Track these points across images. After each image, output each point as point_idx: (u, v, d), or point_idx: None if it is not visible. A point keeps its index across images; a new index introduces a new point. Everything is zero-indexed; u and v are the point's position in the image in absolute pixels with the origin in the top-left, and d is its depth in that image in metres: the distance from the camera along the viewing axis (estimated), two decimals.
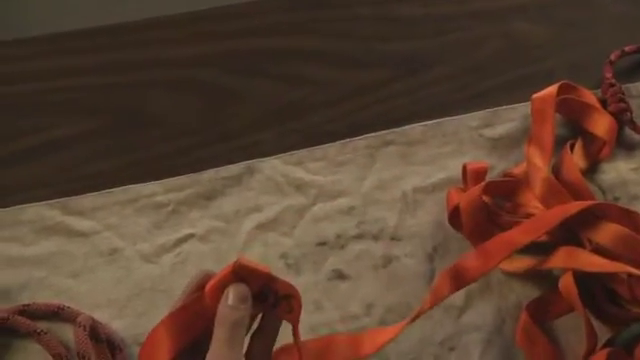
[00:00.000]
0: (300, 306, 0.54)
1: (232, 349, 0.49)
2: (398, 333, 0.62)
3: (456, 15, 0.85)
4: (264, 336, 0.54)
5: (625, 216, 0.63)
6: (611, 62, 0.78)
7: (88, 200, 0.72)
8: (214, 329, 0.50)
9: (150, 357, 0.52)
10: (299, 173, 0.74)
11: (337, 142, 0.75)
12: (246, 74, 0.80)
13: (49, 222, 0.71)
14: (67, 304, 0.66)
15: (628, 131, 0.75)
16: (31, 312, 0.66)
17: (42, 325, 0.65)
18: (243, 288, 0.51)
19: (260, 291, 0.52)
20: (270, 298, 0.52)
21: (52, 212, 0.71)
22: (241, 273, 0.51)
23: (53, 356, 0.64)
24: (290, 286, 0.53)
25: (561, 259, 0.64)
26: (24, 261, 0.69)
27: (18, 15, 1.77)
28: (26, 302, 0.66)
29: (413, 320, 0.62)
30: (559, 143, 0.73)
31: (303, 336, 0.56)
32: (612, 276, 0.64)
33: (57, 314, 0.66)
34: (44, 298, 0.67)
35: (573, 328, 0.65)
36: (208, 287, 0.51)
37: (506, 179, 0.71)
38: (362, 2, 0.87)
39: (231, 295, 0.50)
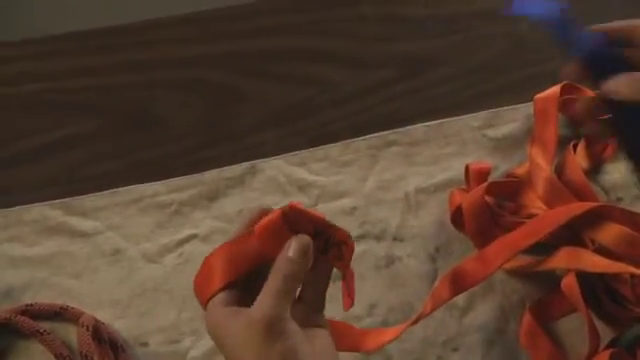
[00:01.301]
0: (352, 253, 0.53)
1: (280, 302, 0.48)
2: (398, 335, 0.62)
3: (460, 16, 0.85)
4: (316, 281, 0.53)
5: (628, 217, 0.63)
6: None
7: (91, 200, 0.72)
8: (269, 276, 0.49)
9: (204, 283, 0.51)
10: (302, 173, 0.74)
11: (340, 142, 0.75)
12: (249, 75, 0.81)
13: (52, 222, 0.71)
14: (70, 304, 0.66)
15: None
16: (34, 312, 0.66)
17: (45, 325, 0.65)
18: (305, 240, 0.50)
19: (311, 236, 0.51)
20: (320, 243, 0.51)
21: (55, 212, 0.72)
22: (291, 216, 0.50)
23: (56, 356, 0.64)
24: (343, 232, 0.52)
25: (564, 259, 0.64)
26: (27, 261, 0.69)
27: (20, 16, 1.78)
28: (29, 302, 0.66)
29: (414, 323, 0.62)
30: (562, 143, 0.73)
31: None
32: (615, 277, 0.64)
33: (60, 314, 0.66)
34: (47, 298, 0.67)
35: (576, 329, 0.65)
36: (257, 227, 0.50)
37: (509, 179, 0.71)
38: (366, 3, 0.87)
39: (292, 246, 0.50)
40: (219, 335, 0.50)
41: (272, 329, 0.48)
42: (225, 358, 0.50)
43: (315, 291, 0.54)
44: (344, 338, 0.62)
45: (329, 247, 0.52)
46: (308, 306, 0.54)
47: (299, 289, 0.53)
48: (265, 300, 0.48)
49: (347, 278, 0.54)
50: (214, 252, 0.52)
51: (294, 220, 0.50)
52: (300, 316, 0.52)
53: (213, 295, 0.51)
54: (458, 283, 0.63)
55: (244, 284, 0.52)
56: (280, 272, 0.49)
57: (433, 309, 0.62)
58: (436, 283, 0.66)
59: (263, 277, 0.50)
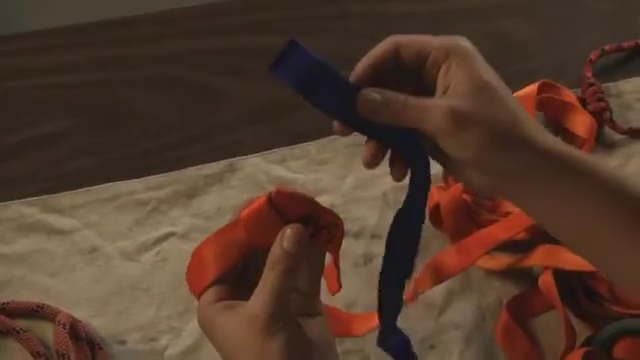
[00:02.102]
0: (342, 235, 0.52)
1: (278, 297, 0.48)
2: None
3: (442, 13, 0.85)
4: (310, 268, 0.53)
5: None
6: (591, 61, 0.78)
7: (68, 198, 0.72)
8: (265, 270, 0.48)
9: (196, 276, 0.51)
10: (280, 171, 0.74)
11: (318, 140, 0.75)
12: (228, 72, 0.80)
13: (28, 220, 0.71)
14: (47, 302, 0.66)
15: (607, 130, 0.75)
16: (10, 310, 0.65)
17: (21, 323, 0.65)
18: (299, 230, 0.49)
19: (301, 221, 0.49)
20: (309, 227, 0.50)
21: (31, 210, 0.71)
22: (278, 201, 0.49)
23: (32, 354, 0.63)
24: (332, 214, 0.51)
25: (540, 257, 0.64)
26: (3, 259, 0.69)
27: (1, 12, 1.76)
28: (5, 300, 0.66)
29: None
30: None
31: None
32: (592, 274, 0.64)
33: (36, 312, 0.65)
34: (23, 296, 0.67)
35: (553, 326, 0.65)
36: (243, 215, 0.49)
37: None
38: (350, 0, 0.87)
39: (287, 237, 0.48)
40: (213, 333, 0.50)
41: (272, 326, 0.47)
42: (220, 355, 0.50)
43: (310, 278, 0.53)
44: (334, 323, 0.62)
45: (319, 230, 0.51)
46: (304, 294, 0.53)
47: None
48: (263, 296, 0.48)
49: (336, 261, 0.53)
50: (203, 243, 0.51)
51: (281, 205, 0.49)
52: (296, 305, 0.52)
53: (205, 289, 0.50)
54: (437, 273, 0.63)
55: (236, 275, 0.51)
56: (276, 266, 0.48)
57: (413, 297, 0.63)
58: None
59: (255, 266, 0.50)
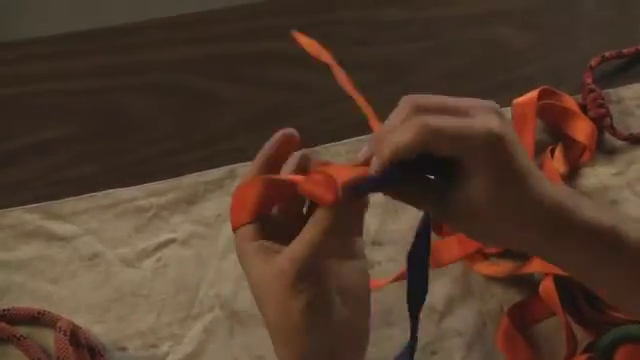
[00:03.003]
0: None
1: (311, 254, 0.48)
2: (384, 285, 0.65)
3: (438, 20, 0.85)
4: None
5: None
6: (591, 68, 0.78)
7: (69, 204, 0.72)
8: (306, 225, 0.48)
9: (238, 208, 0.51)
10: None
11: (318, 147, 0.75)
12: (228, 79, 0.80)
13: (29, 226, 0.71)
14: (47, 309, 0.66)
15: (608, 136, 0.76)
16: (11, 317, 0.65)
17: (22, 330, 0.65)
18: (346, 192, 0.47)
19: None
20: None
21: (32, 216, 0.71)
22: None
23: None
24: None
25: (541, 264, 0.64)
26: (4, 266, 0.69)
27: (0, 20, 1.76)
28: (6, 307, 0.66)
29: (395, 280, 0.65)
30: (540, 148, 0.74)
31: None
32: None
33: (37, 319, 0.65)
34: (24, 303, 0.67)
35: (554, 333, 0.65)
36: (302, 188, 0.49)
37: None
38: (345, 6, 0.87)
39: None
40: (246, 271, 0.50)
41: (296, 285, 0.48)
42: (252, 292, 0.50)
43: (352, 217, 0.52)
44: None
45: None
46: (344, 233, 0.52)
47: None
48: (297, 251, 0.48)
49: None
50: (251, 182, 0.51)
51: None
52: (336, 245, 0.51)
53: (243, 224, 0.51)
54: (438, 259, 0.65)
55: (279, 221, 0.52)
56: (319, 222, 0.48)
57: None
58: None
59: (297, 220, 0.51)
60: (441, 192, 0.49)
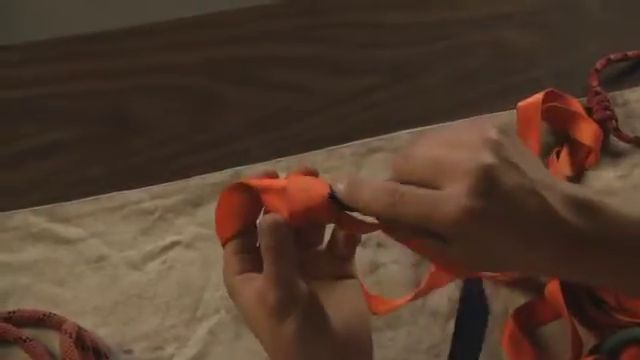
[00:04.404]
0: None
1: (282, 282, 0.48)
2: (402, 305, 0.64)
3: (444, 23, 0.85)
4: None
5: None
6: (597, 70, 0.78)
7: (74, 207, 0.72)
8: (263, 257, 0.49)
9: (222, 221, 0.52)
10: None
11: (324, 149, 0.75)
12: (233, 81, 0.80)
13: (35, 229, 0.71)
14: (53, 311, 0.66)
15: (613, 139, 0.75)
16: (17, 319, 0.66)
17: (27, 332, 0.65)
18: (276, 221, 0.49)
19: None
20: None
21: (38, 219, 0.71)
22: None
23: None
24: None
25: None
26: (9, 268, 0.69)
27: (3, 23, 1.77)
28: (11, 309, 0.66)
29: (414, 298, 0.64)
30: (545, 151, 0.73)
31: None
32: None
33: (43, 321, 0.66)
34: (30, 305, 0.67)
35: (559, 335, 0.65)
36: (293, 210, 0.49)
37: None
38: (351, 9, 0.87)
39: (264, 230, 0.49)
40: (236, 301, 0.51)
41: (281, 311, 0.48)
42: (241, 316, 0.51)
43: (344, 240, 0.54)
44: None
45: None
46: (337, 256, 0.53)
47: (328, 238, 0.53)
48: (267, 282, 0.48)
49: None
50: (235, 187, 0.52)
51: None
52: (329, 267, 0.52)
53: (230, 239, 0.52)
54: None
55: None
56: (267, 254, 0.48)
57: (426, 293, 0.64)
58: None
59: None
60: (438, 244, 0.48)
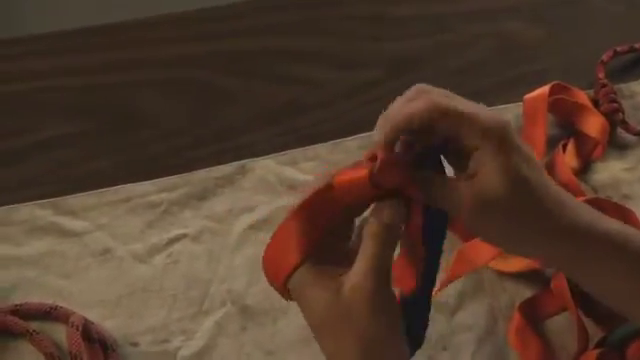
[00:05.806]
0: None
1: (381, 266, 0.47)
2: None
3: (448, 15, 0.85)
4: None
5: (618, 212, 0.64)
6: (603, 62, 0.78)
7: (80, 200, 0.72)
8: (363, 241, 0.48)
9: (279, 257, 0.50)
10: (291, 173, 0.73)
11: (329, 142, 0.75)
12: (239, 74, 0.80)
13: (41, 222, 0.71)
14: (59, 304, 0.66)
15: (620, 131, 0.75)
16: (23, 312, 0.66)
17: (34, 325, 0.65)
18: (399, 207, 0.49)
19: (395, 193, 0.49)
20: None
21: (44, 212, 0.71)
22: (380, 176, 0.48)
23: (45, 356, 0.64)
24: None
25: None
26: (16, 261, 0.69)
27: (5, 16, 1.77)
28: (18, 302, 0.66)
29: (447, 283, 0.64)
30: (551, 143, 0.73)
31: None
32: None
33: (49, 314, 0.66)
34: (36, 298, 0.67)
35: (565, 328, 0.65)
36: (339, 180, 0.49)
37: None
38: (354, 2, 0.87)
39: (387, 212, 0.48)
40: (302, 303, 0.49)
41: (376, 297, 0.47)
42: (312, 322, 0.49)
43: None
44: None
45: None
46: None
47: None
48: (366, 265, 0.47)
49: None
50: (290, 216, 0.49)
51: (381, 181, 0.48)
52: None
53: (292, 271, 0.49)
54: (469, 261, 0.65)
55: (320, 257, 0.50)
56: (377, 237, 0.48)
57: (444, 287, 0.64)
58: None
59: (334, 245, 0.50)
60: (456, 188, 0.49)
